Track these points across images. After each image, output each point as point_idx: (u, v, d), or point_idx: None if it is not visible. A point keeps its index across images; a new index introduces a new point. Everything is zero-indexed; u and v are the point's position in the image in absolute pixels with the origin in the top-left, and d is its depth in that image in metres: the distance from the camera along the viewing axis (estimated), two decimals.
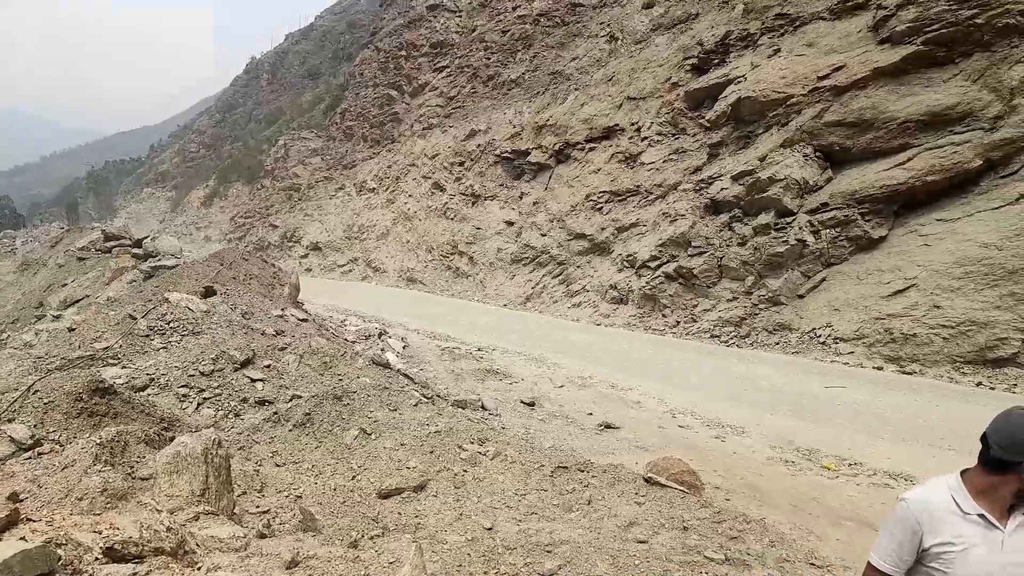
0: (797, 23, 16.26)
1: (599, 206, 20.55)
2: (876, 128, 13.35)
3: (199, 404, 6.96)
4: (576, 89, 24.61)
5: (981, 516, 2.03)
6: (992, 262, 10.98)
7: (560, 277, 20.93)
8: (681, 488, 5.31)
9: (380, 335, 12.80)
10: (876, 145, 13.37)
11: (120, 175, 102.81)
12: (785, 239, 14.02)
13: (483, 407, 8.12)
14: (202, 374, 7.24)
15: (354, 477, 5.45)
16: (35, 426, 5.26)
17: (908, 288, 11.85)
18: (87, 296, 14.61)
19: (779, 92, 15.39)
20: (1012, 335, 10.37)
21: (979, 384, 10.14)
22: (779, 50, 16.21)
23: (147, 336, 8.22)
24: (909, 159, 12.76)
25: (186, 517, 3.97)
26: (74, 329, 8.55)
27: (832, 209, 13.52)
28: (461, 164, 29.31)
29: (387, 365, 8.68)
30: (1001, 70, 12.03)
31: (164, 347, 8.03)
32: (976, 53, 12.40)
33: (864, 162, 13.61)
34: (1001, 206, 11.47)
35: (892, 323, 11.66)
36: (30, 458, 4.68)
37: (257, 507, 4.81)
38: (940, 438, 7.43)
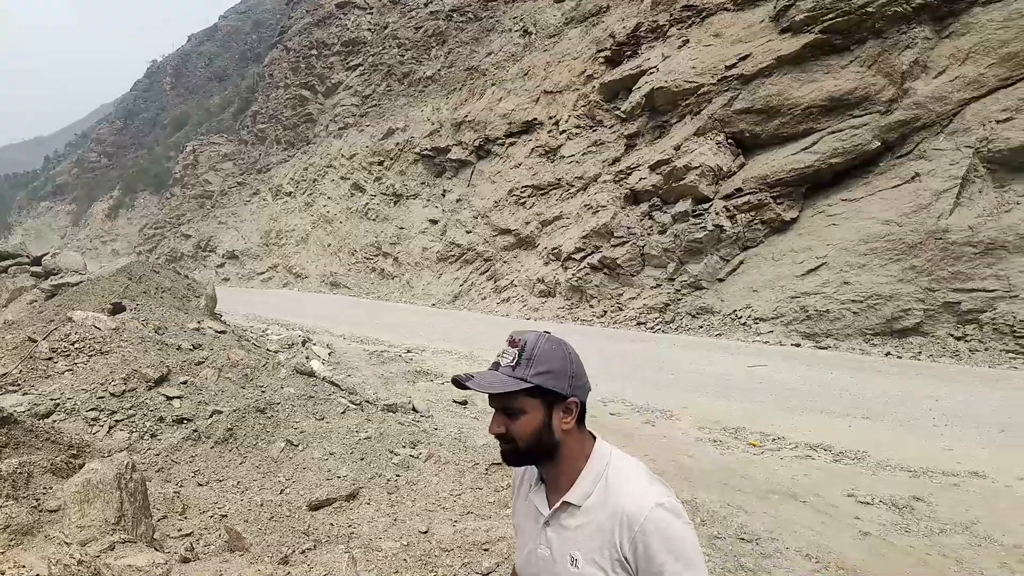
0: (703, 14, 16.73)
1: (522, 201, 20.63)
2: (782, 114, 13.89)
3: (111, 427, 6.56)
4: (493, 84, 24.61)
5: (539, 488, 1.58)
6: (893, 238, 11.60)
7: (487, 273, 20.91)
8: None
9: (304, 343, 12.43)
10: (783, 131, 13.91)
11: (14, 189, 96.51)
12: (703, 225, 14.42)
13: (414, 409, 7.99)
14: (113, 395, 6.82)
15: (282, 491, 5.26)
16: None
17: (819, 267, 12.39)
18: None
19: (690, 82, 15.81)
20: (914, 306, 10.98)
21: (888, 354, 10.69)
22: (688, 41, 16.63)
23: (50, 359, 7.70)
24: (814, 143, 13.34)
25: (100, 548, 3.73)
26: None
27: (746, 194, 13.99)
28: (380, 163, 28.88)
29: (312, 373, 8.42)
30: (892, 55, 12.70)
31: (69, 369, 7.54)
32: (869, 40, 13.05)
33: (773, 147, 14.15)
34: (899, 184, 12.12)
35: (806, 301, 12.16)
36: None
37: (179, 531, 4.59)
38: (855, 407, 7.79)
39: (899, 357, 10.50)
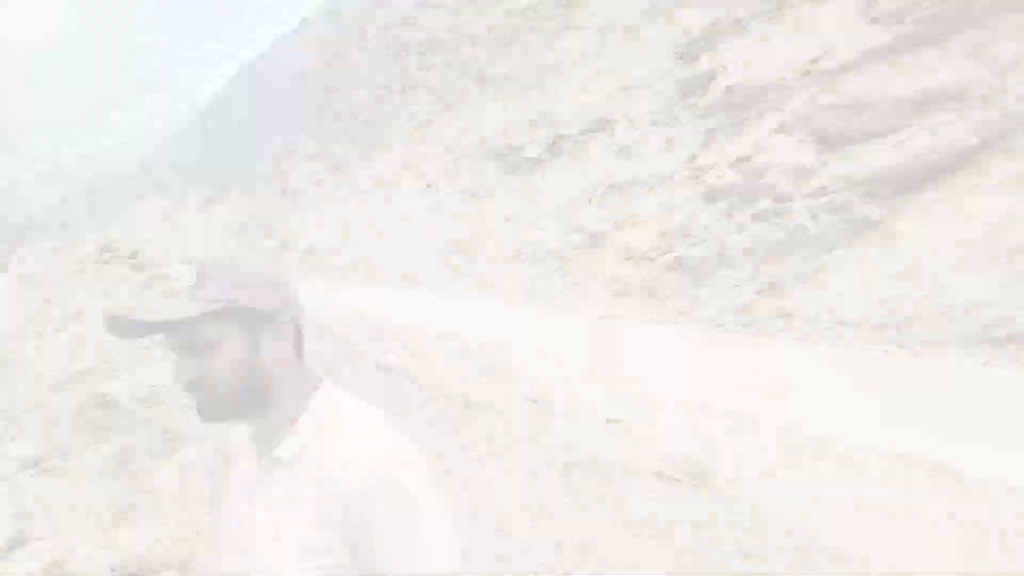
0: (785, 7, 16.24)
1: (596, 198, 20.52)
2: (870, 109, 13.31)
3: None
4: (567, 82, 24.55)
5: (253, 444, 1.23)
6: (993, 241, 10.95)
7: (560, 272, 20.90)
8: (694, 482, 5.28)
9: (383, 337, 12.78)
10: (871, 126, 13.34)
11: (112, 184, 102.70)
12: (784, 225, 13.99)
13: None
14: None
15: None
16: (39, 442, 5.22)
17: (910, 270, 11.83)
18: (84, 309, 14.54)
19: (770, 76, 15.36)
20: (1016, 313, 10.34)
21: (985, 364, 10.09)
22: (768, 35, 16.16)
23: (147, 347, 8.19)
24: (904, 140, 12.73)
25: (197, 528, 3.94)
26: (75, 343, 8.51)
27: (830, 193, 13.48)
28: (455, 161, 29.28)
29: (390, 368, 8.67)
30: (992, 47, 11.99)
31: (164, 357, 8.00)
32: (968, 30, 12.37)
33: (859, 144, 13.57)
34: (999, 183, 11.44)
35: (896, 305, 11.63)
36: (35, 475, 4.64)
37: None
38: (949, 420, 7.42)
39: (998, 367, 9.91)
